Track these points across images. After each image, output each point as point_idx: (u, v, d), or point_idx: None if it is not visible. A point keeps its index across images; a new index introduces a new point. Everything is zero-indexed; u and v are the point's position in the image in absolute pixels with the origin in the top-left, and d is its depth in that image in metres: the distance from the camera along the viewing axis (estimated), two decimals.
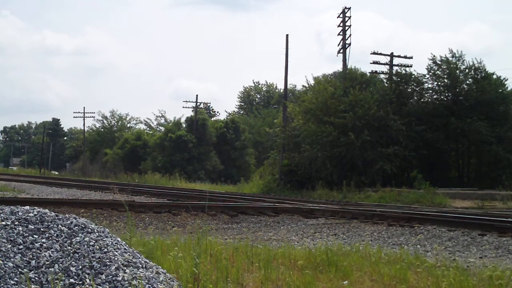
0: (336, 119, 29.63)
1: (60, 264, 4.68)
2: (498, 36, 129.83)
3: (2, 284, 4.32)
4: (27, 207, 5.49)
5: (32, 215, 5.29)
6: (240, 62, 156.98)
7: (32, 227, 5.10)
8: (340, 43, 35.89)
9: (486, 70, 32.09)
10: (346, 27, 35.87)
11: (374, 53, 35.93)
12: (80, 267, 4.69)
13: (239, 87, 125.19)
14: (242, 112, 78.16)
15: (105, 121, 72.41)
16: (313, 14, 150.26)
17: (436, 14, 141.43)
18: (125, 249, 5.22)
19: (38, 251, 4.80)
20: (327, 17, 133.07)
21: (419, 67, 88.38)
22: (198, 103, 58.00)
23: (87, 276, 4.60)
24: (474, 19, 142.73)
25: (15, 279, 4.41)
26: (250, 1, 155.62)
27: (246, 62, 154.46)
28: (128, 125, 73.81)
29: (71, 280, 4.53)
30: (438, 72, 32.62)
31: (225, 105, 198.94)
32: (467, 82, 32.47)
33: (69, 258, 4.79)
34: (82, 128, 70.82)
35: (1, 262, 4.51)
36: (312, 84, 35.63)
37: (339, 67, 52.01)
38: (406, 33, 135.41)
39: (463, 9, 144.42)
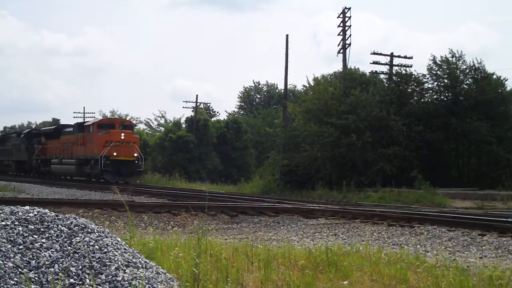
0: (337, 120, 29.62)
1: (60, 264, 4.68)
2: (495, 37, 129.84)
3: (2, 284, 4.32)
4: (27, 207, 5.49)
5: (32, 215, 5.29)
6: (240, 62, 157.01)
7: (32, 227, 5.10)
8: (340, 43, 35.91)
9: (486, 70, 32.14)
10: (346, 27, 35.89)
11: (374, 53, 35.94)
12: (80, 267, 4.70)
13: (239, 87, 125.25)
14: (242, 112, 78.14)
15: None
16: (312, 14, 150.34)
17: (433, 14, 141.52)
18: (125, 249, 5.22)
19: (38, 251, 4.80)
20: (326, 17, 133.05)
21: (418, 67, 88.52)
22: (198, 103, 58.05)
23: (87, 276, 4.61)
24: (471, 19, 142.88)
25: (15, 279, 4.41)
26: (248, 1, 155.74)
27: (246, 62, 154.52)
28: None
29: (71, 280, 4.53)
30: (438, 72, 32.63)
31: (225, 105, 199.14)
32: (467, 82, 32.48)
33: (69, 258, 4.79)
34: None
35: (1, 262, 4.51)
36: (312, 85, 35.63)
37: (338, 67, 52.23)
38: (403, 33, 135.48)
39: (460, 10, 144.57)
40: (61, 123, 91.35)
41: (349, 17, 36.10)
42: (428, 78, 33.08)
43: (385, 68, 36.17)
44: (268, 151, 42.83)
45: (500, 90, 31.69)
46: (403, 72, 33.83)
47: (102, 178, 30.60)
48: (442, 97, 33.26)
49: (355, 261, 7.08)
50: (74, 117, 76.55)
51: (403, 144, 29.76)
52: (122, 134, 30.62)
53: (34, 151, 40.11)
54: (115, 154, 29.76)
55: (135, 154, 30.67)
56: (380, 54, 36.04)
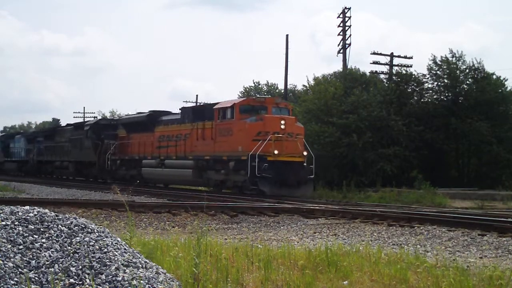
0: (338, 119, 29.64)
1: (60, 264, 4.68)
2: (494, 37, 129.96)
3: (2, 284, 4.32)
4: (27, 207, 5.49)
5: (32, 215, 5.29)
6: (240, 62, 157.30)
7: (32, 227, 5.10)
8: (340, 43, 35.93)
9: (486, 70, 32.19)
10: (346, 27, 35.92)
11: (374, 53, 35.99)
12: (80, 267, 4.70)
13: (239, 87, 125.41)
14: None
15: None
16: (312, 14, 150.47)
17: (433, 14, 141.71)
18: (125, 249, 5.22)
19: (38, 251, 4.80)
20: (325, 17, 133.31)
21: (418, 67, 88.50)
22: (198, 103, 58.07)
23: (87, 276, 4.61)
24: (471, 19, 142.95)
25: (15, 279, 4.41)
26: (247, 1, 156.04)
27: (246, 62, 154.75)
28: None
29: (71, 280, 4.53)
30: (438, 72, 32.67)
31: None
32: (467, 82, 32.52)
33: (69, 258, 4.79)
34: None
35: (1, 262, 4.51)
36: (312, 84, 35.67)
37: (337, 67, 52.27)
38: (403, 33, 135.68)
39: (460, 10, 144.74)
40: (61, 123, 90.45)
41: (349, 17, 36.18)
42: (428, 78, 33.18)
43: (385, 68, 36.25)
44: None
45: (500, 90, 31.73)
46: (403, 72, 33.87)
47: (252, 189, 20.69)
48: (442, 97, 33.31)
49: (355, 261, 7.07)
50: (74, 117, 76.55)
51: (403, 144, 29.80)
52: (283, 121, 20.48)
53: (108, 148, 30.39)
54: (276, 152, 19.80)
55: (304, 153, 20.81)
56: (380, 54, 36.10)
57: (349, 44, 35.79)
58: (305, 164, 20.85)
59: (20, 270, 4.52)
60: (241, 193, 21.15)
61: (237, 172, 21.35)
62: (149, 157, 26.76)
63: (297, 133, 21.01)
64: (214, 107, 22.89)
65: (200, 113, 24.16)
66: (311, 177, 21.12)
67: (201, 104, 25.14)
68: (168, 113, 28.62)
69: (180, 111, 26.69)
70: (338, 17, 36.30)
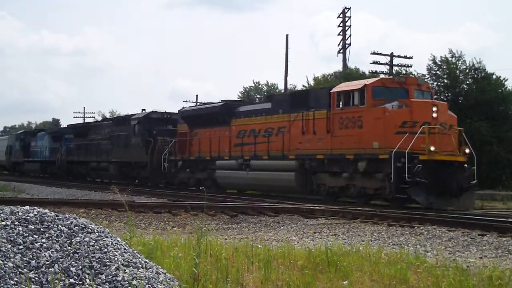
0: None
1: (60, 264, 4.68)
2: (494, 37, 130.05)
3: (2, 284, 4.32)
4: (27, 207, 5.49)
5: (32, 215, 5.29)
6: (240, 62, 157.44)
7: (32, 227, 5.10)
8: (340, 43, 35.94)
9: (486, 70, 32.20)
10: (346, 27, 35.94)
11: (374, 53, 35.97)
12: (80, 267, 4.70)
13: (239, 87, 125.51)
14: None
15: None
16: (311, 14, 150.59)
17: (432, 14, 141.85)
18: (125, 249, 5.22)
19: (38, 251, 4.80)
20: (325, 17, 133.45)
21: (418, 67, 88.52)
22: (198, 103, 58.09)
23: (87, 276, 4.60)
24: (471, 19, 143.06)
25: (15, 279, 4.41)
26: (247, 1, 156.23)
27: (246, 62, 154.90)
28: None
29: (71, 280, 4.53)
30: (438, 72, 32.68)
31: None
32: (467, 82, 32.53)
33: (69, 258, 4.79)
34: None
35: (1, 262, 4.51)
36: (312, 85, 35.68)
37: (337, 67, 52.37)
38: (402, 33, 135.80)
39: (459, 10, 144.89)
40: (61, 123, 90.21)
41: (349, 17, 36.20)
42: (428, 78, 33.12)
43: (385, 68, 36.23)
44: None
45: (500, 90, 31.74)
46: (403, 72, 33.86)
47: (395, 199, 15.98)
48: (442, 97, 33.29)
49: (355, 261, 7.07)
50: (74, 117, 76.45)
51: None
52: (434, 108, 15.76)
53: (163, 146, 25.84)
54: (432, 149, 15.20)
55: (467, 151, 16.25)
56: (380, 54, 36.09)
57: (349, 44, 35.84)
58: (466, 165, 16.11)
59: (20, 270, 4.52)
60: (366, 204, 16.67)
61: (369, 176, 16.57)
62: (226, 157, 22.03)
63: (450, 124, 16.36)
64: (332, 90, 17.76)
65: (301, 100, 19.16)
66: (473, 183, 16.19)
67: (303, 89, 21.22)
68: (243, 102, 24.81)
69: (268, 99, 22.27)
70: (338, 17, 36.36)
